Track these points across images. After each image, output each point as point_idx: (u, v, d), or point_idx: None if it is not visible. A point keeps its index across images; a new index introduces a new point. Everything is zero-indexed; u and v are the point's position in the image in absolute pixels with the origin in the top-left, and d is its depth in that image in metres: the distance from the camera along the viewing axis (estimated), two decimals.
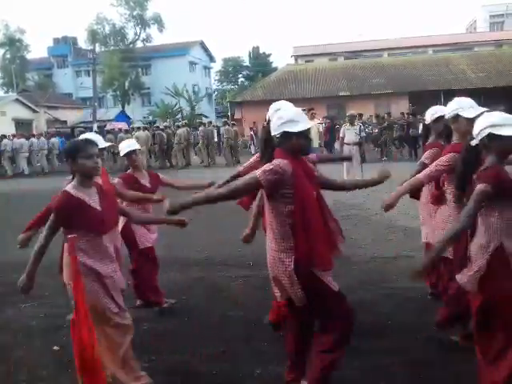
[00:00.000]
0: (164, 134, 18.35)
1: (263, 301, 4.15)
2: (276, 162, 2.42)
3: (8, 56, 41.92)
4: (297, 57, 40.35)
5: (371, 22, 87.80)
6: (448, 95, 26.53)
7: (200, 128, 18.64)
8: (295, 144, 2.49)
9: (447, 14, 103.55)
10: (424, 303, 3.87)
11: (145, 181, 4.10)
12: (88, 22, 53.40)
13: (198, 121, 23.10)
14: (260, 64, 53.14)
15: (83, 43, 43.07)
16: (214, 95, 55.16)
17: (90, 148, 2.64)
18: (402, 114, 18.90)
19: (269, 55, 56.18)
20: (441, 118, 3.49)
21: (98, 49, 41.21)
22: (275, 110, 3.09)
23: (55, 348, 3.48)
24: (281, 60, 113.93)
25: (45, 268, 5.42)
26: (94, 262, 2.60)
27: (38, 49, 76.66)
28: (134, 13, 41.23)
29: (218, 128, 22.70)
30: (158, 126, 20.34)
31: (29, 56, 43.55)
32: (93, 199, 2.64)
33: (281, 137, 2.50)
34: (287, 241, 2.43)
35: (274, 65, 53.02)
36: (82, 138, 3.35)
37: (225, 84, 58.21)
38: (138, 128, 18.88)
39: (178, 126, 19.69)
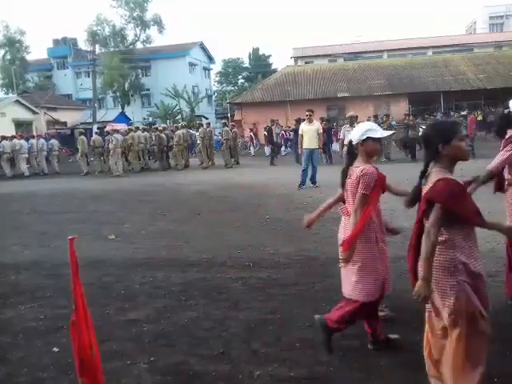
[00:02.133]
0: (163, 136, 18.36)
1: (263, 302, 4.16)
2: None
3: (8, 57, 42.07)
4: (296, 58, 40.44)
5: (371, 23, 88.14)
6: (448, 96, 26.70)
7: (200, 129, 18.63)
8: None
9: (447, 15, 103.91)
10: (424, 304, 3.86)
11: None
12: (88, 23, 53.53)
13: (198, 122, 23.06)
14: (260, 65, 53.29)
15: (83, 44, 43.34)
16: (213, 96, 55.26)
17: (464, 130, 2.44)
18: (405, 115, 18.87)
19: (268, 56, 56.40)
20: None
21: (97, 50, 41.43)
22: None
23: (55, 349, 3.46)
24: (280, 61, 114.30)
25: (45, 269, 5.44)
26: (468, 259, 2.30)
27: (37, 50, 77.03)
28: (134, 14, 41.41)
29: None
30: (156, 128, 20.33)
31: (29, 57, 43.84)
32: None
33: None
34: None
35: (273, 66, 53.29)
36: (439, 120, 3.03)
37: (224, 85, 58.39)
38: (115, 130, 18.03)
39: (177, 127, 19.68)
